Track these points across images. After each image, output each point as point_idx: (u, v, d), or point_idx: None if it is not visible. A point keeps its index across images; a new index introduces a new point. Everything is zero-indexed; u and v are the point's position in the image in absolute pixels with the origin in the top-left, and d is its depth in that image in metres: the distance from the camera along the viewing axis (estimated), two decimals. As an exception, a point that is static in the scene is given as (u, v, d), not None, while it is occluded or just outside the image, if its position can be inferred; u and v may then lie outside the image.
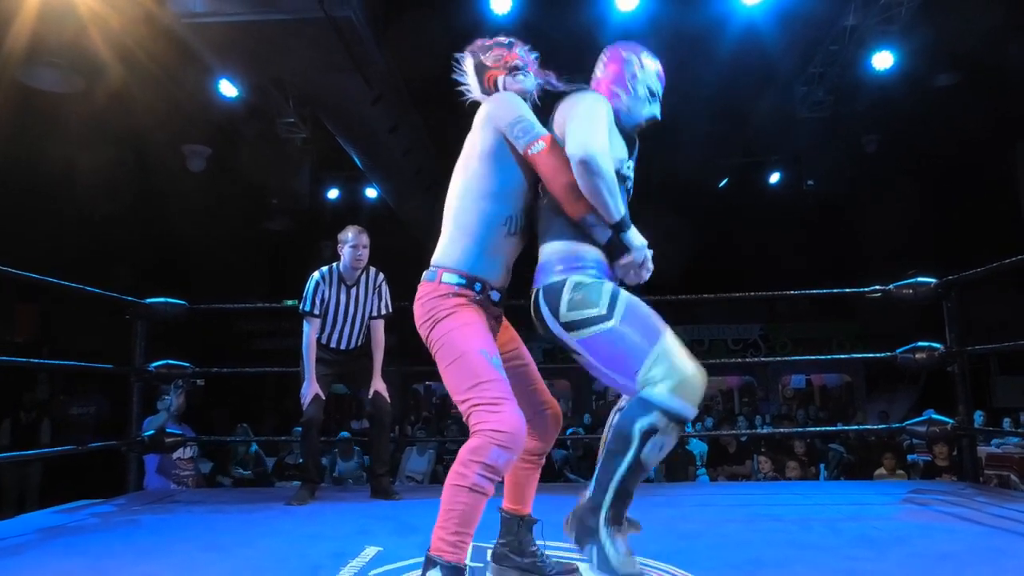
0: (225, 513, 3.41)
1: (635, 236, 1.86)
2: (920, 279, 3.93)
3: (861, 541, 2.52)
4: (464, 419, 1.77)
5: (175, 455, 4.88)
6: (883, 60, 7.36)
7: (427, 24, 7.33)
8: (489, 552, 2.20)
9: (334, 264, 3.78)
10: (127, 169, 8.24)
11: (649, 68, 2.03)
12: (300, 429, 3.82)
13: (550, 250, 1.89)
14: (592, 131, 1.80)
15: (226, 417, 9.09)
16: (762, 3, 6.64)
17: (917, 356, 3.89)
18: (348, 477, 6.69)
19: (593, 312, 1.76)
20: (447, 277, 1.88)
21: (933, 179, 10.80)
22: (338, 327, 3.72)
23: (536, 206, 1.97)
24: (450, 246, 1.94)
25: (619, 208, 1.82)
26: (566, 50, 7.23)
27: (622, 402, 1.96)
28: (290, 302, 4.01)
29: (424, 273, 1.95)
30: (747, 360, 13.24)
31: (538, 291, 1.87)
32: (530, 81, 2.04)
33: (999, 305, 10.68)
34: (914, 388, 12.52)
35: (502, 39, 2.10)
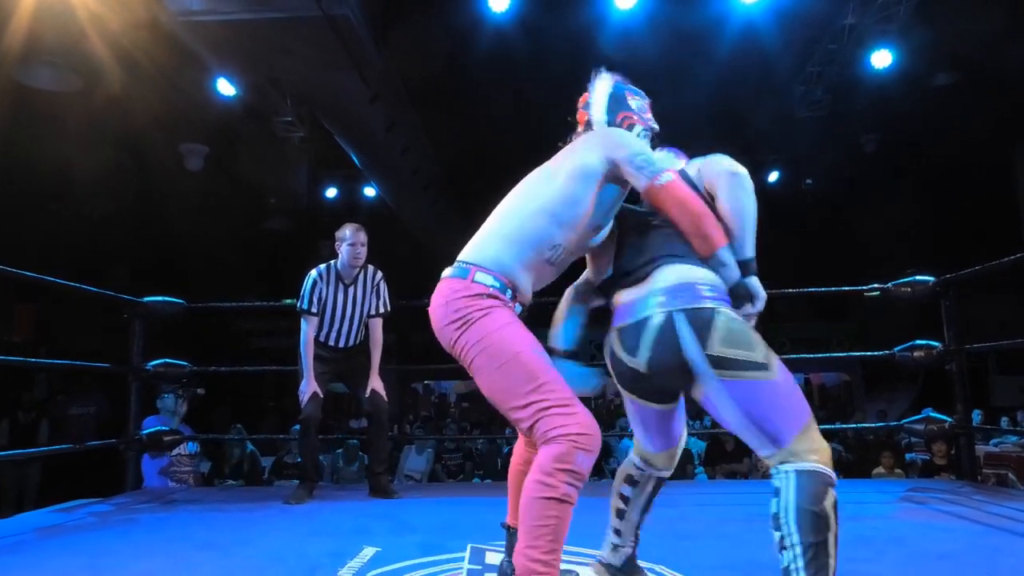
0: (223, 512, 3.41)
1: (758, 284, 1.73)
2: (918, 278, 3.94)
3: (859, 541, 2.52)
4: (526, 425, 1.60)
5: (175, 451, 4.88)
6: (882, 59, 7.35)
7: (425, 22, 7.33)
8: (491, 555, 2.20)
9: (332, 262, 3.77)
10: (124, 168, 8.22)
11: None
12: (298, 428, 3.82)
13: (690, 273, 1.68)
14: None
15: (226, 417, 9.08)
16: (760, 2, 6.64)
17: (915, 354, 3.89)
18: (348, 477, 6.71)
19: (751, 356, 1.57)
20: (481, 276, 1.69)
21: (932, 179, 10.81)
22: (336, 325, 3.72)
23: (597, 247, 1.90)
24: (488, 247, 1.76)
25: (754, 243, 1.73)
26: (564, 48, 7.25)
27: (632, 469, 1.92)
28: (288, 301, 4.00)
29: (448, 270, 1.77)
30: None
31: (673, 313, 1.62)
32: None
33: (999, 306, 10.70)
34: (913, 388, 12.53)
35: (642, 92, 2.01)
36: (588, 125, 1.95)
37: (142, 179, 8.80)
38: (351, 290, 3.74)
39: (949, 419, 3.86)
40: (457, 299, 1.68)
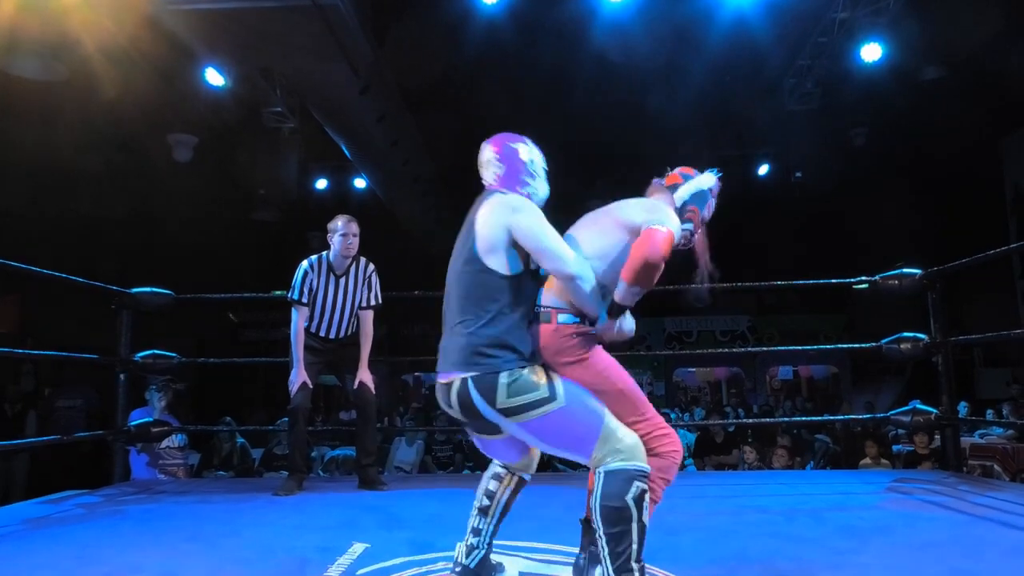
0: (211, 503, 3.40)
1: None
2: (905, 271, 3.96)
3: (845, 531, 2.55)
4: None
5: (164, 444, 4.85)
6: (872, 52, 7.37)
7: (416, 14, 7.29)
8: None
9: (324, 253, 3.76)
10: (113, 158, 8.16)
11: (534, 151, 2.09)
12: (287, 419, 3.81)
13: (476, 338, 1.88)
14: (564, 247, 1.90)
15: (216, 410, 9.06)
16: (751, -5, 6.65)
17: (902, 346, 3.92)
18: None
19: (533, 397, 1.81)
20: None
21: (921, 172, 10.87)
22: (327, 316, 3.71)
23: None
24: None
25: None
26: (555, 42, 7.24)
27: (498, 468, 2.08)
28: (278, 293, 3.99)
29: None
30: (734, 350, 13.31)
31: (468, 379, 1.84)
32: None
33: (986, 299, 10.78)
34: (899, 380, 12.63)
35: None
36: (671, 189, 2.18)
37: (131, 170, 8.73)
38: (342, 281, 3.73)
39: (935, 411, 3.90)
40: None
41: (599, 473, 1.80)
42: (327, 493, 3.64)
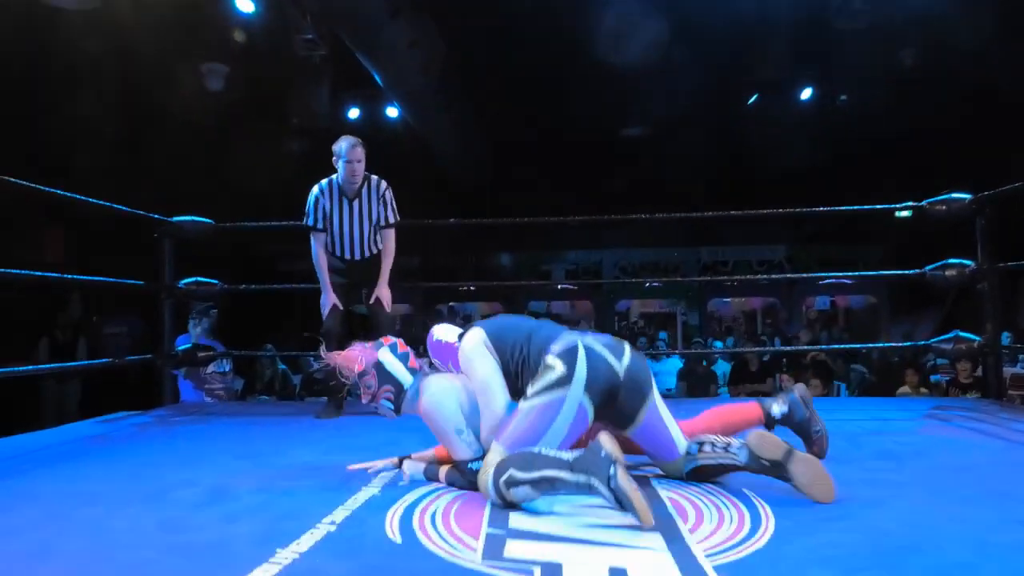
0: (258, 424, 3.53)
1: None
2: (954, 195, 3.84)
3: (882, 454, 2.55)
4: None
5: (210, 368, 4.99)
6: (926, -34, 6.96)
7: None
8: None
9: (333, 177, 3.68)
10: (144, 88, 8.15)
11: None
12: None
13: None
14: None
15: (257, 338, 9.28)
16: (800, -96, 6.28)
17: (947, 273, 3.84)
18: None
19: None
20: None
21: (971, 96, 10.38)
22: (346, 238, 3.67)
23: None
24: None
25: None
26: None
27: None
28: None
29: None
30: (773, 277, 13.06)
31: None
32: None
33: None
34: (938, 312, 12.39)
35: None
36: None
37: (162, 99, 8.73)
38: (355, 204, 3.66)
39: (978, 339, 3.84)
40: None
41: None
42: (367, 416, 3.72)
